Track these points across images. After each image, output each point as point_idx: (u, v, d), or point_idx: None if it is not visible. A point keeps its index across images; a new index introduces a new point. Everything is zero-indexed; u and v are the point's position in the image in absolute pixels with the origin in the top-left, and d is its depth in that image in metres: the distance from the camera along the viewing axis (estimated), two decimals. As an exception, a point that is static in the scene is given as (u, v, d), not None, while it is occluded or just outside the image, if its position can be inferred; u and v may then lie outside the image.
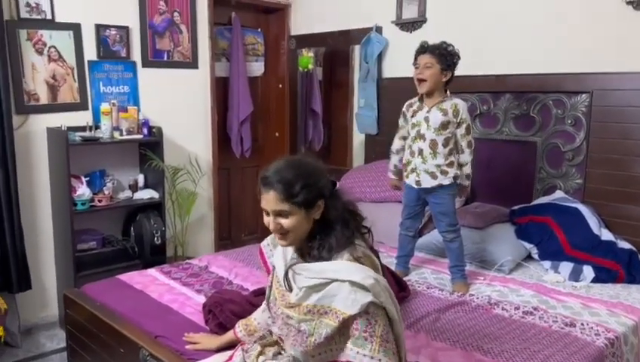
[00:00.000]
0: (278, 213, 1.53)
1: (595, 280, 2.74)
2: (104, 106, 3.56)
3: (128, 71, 3.81)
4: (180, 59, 4.09)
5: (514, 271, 2.92)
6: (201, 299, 2.43)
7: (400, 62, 3.83)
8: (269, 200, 1.53)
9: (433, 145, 2.66)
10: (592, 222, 2.90)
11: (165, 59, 4.00)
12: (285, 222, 1.53)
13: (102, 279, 2.86)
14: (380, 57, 3.92)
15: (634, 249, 2.80)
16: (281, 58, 4.69)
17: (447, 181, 2.67)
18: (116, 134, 3.58)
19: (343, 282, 1.44)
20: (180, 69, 4.09)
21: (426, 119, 2.67)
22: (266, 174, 1.54)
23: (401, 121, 2.86)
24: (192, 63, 4.15)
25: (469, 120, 2.66)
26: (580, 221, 2.92)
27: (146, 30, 3.87)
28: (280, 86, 4.70)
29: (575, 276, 2.79)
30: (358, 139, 4.35)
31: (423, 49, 2.65)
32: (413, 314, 2.37)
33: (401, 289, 2.52)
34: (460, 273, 2.75)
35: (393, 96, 3.83)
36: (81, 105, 3.61)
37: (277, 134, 4.76)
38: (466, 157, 2.69)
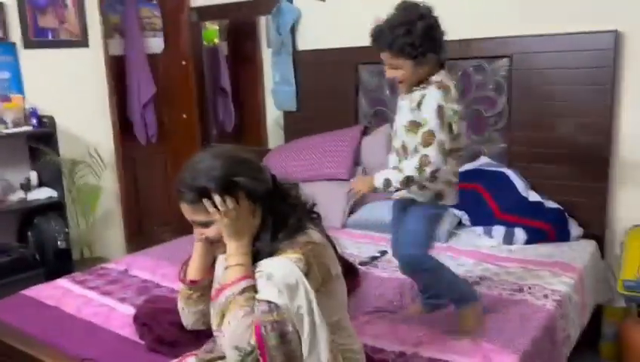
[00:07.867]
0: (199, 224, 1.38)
1: (527, 242, 2.78)
2: (-19, 96, 3.09)
3: (7, 54, 3.37)
4: (67, 37, 3.68)
5: (450, 240, 2.90)
6: (128, 309, 2.18)
7: (315, 33, 3.64)
8: (184, 210, 1.37)
9: (403, 149, 1.93)
10: (519, 184, 2.94)
11: (50, 38, 3.59)
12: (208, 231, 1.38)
13: (2, 296, 2.47)
14: (292, 29, 3.71)
15: (561, 207, 2.87)
16: (182, 32, 4.32)
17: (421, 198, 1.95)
18: (0, 127, 3.13)
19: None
20: (68, 48, 3.70)
21: (400, 108, 1.96)
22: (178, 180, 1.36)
23: None
24: (82, 41, 3.77)
25: (433, 122, 1.78)
26: (507, 184, 2.95)
27: (24, 5, 3.43)
28: (183, 63, 4.35)
29: (508, 239, 2.82)
30: (272, 117, 4.15)
31: (375, 42, 1.86)
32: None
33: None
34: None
35: (311, 69, 3.65)
36: (-49, 97, 3.11)
37: (184, 116, 4.43)
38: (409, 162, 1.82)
